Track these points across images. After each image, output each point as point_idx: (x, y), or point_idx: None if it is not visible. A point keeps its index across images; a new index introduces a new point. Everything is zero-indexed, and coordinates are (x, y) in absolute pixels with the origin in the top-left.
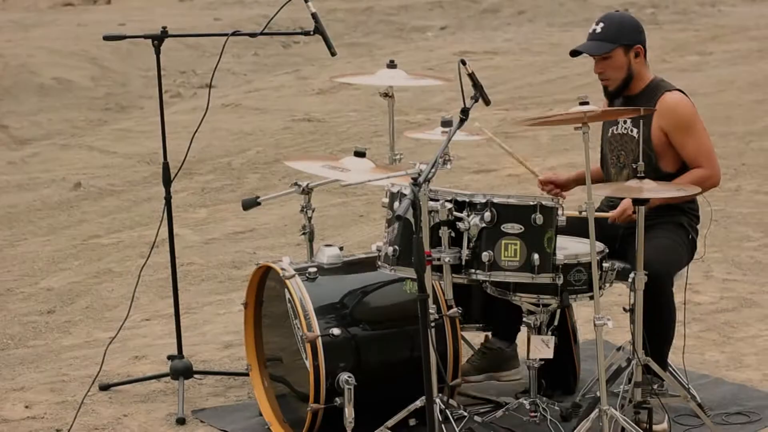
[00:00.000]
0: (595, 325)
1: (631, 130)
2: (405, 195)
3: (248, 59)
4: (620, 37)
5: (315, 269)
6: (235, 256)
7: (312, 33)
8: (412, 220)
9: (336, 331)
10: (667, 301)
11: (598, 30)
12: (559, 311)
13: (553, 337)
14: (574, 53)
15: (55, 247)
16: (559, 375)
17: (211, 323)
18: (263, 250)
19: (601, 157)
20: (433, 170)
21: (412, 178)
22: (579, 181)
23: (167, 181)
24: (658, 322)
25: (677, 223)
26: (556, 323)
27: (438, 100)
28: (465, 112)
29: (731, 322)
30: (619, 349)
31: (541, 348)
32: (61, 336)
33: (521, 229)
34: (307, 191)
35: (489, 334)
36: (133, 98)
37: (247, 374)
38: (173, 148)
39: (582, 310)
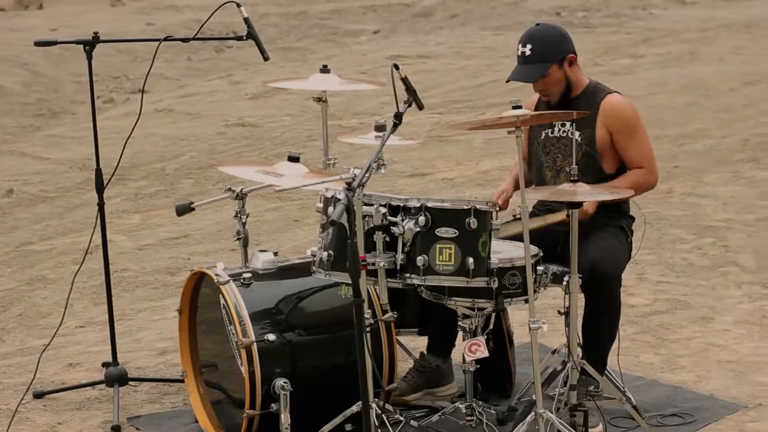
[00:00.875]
0: (530, 328)
1: (572, 133)
2: (339, 200)
3: (181, 64)
4: (550, 54)
5: (249, 275)
6: (170, 262)
7: (245, 38)
8: (346, 224)
9: (271, 336)
10: (614, 302)
11: (528, 53)
12: (494, 315)
13: (486, 336)
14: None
15: None
16: (494, 379)
17: (146, 329)
18: (198, 255)
19: (530, 160)
20: (367, 175)
21: (346, 183)
22: (516, 185)
23: (100, 188)
24: (603, 324)
25: (617, 225)
26: (491, 327)
27: (372, 104)
28: (398, 116)
29: (665, 324)
30: (554, 352)
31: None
32: None
33: (455, 233)
34: (241, 196)
35: (424, 350)
36: (65, 104)
37: (182, 380)
38: (106, 153)
39: (516, 314)
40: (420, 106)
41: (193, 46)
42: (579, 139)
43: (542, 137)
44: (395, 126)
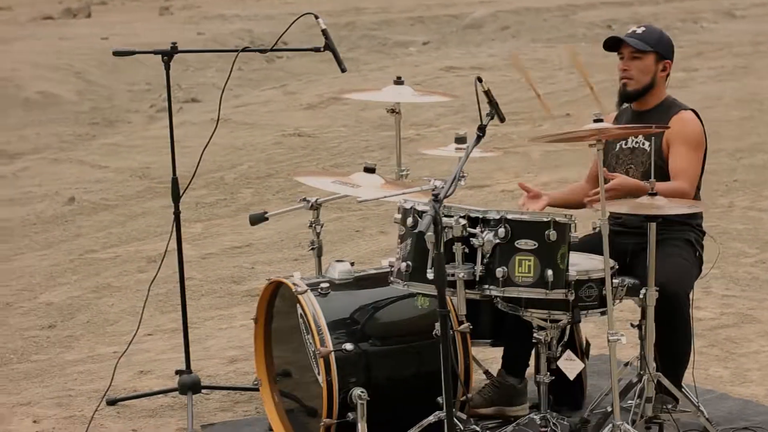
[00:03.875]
0: (608, 340)
1: (643, 143)
2: (418, 211)
3: (233, 74)
4: (658, 45)
5: (327, 284)
6: (234, 271)
7: (322, 49)
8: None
9: (348, 346)
10: (683, 320)
11: (639, 31)
12: (569, 327)
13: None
14: (613, 42)
15: (52, 261)
16: (566, 390)
17: (214, 338)
18: (261, 264)
19: (591, 173)
20: (453, 186)
21: (433, 194)
22: (564, 201)
23: (176, 196)
24: (673, 341)
25: (686, 239)
26: (566, 339)
27: (428, 115)
28: (482, 128)
29: (733, 338)
30: (626, 364)
31: (569, 367)
32: (63, 351)
33: (535, 245)
34: (315, 207)
35: (501, 369)
36: (119, 112)
37: (255, 389)
38: (164, 163)
39: (585, 326)
40: (502, 119)
41: (244, 56)
42: (648, 149)
43: (617, 149)
44: (479, 138)
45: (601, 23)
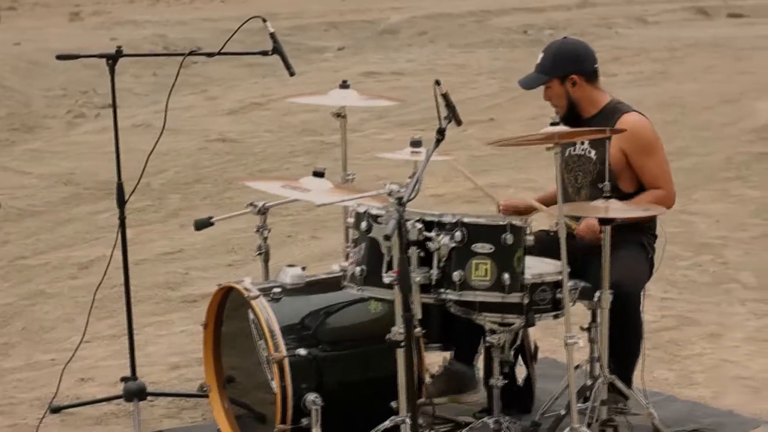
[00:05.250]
0: (566, 344)
1: (589, 152)
2: (373, 215)
3: (148, 79)
4: (554, 69)
5: (279, 289)
6: (168, 277)
7: (270, 53)
8: (379, 240)
9: (302, 351)
10: (634, 319)
11: (538, 61)
12: (521, 331)
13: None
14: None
15: None
16: (515, 394)
17: (154, 344)
18: (195, 270)
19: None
20: (415, 190)
21: (397, 198)
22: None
23: (121, 201)
24: (626, 340)
25: (638, 242)
26: (518, 342)
27: (352, 120)
28: (441, 132)
29: (675, 340)
30: (576, 367)
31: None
32: (0, 358)
33: (492, 248)
34: (263, 211)
35: (449, 355)
36: (37, 118)
37: (201, 395)
38: (89, 168)
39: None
40: (459, 122)
41: (157, 61)
42: (594, 158)
43: (566, 155)
44: (438, 142)
45: (517, 28)
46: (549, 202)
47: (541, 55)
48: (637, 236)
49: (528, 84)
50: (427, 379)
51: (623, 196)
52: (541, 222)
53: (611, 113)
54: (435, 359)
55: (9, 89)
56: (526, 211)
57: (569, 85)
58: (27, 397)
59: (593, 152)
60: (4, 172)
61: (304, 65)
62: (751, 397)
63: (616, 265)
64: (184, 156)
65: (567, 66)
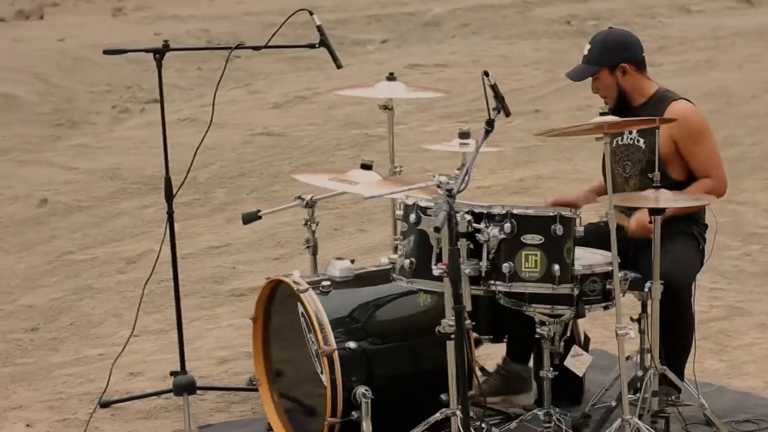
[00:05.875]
0: (617, 335)
1: (638, 140)
2: (422, 207)
3: (192, 74)
4: (602, 59)
5: (328, 282)
6: (214, 271)
7: (317, 46)
8: (429, 232)
9: (352, 344)
10: (686, 311)
11: (585, 53)
12: (571, 322)
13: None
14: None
15: (30, 263)
16: (565, 385)
17: (202, 338)
18: (242, 264)
19: (603, 169)
20: (465, 182)
21: (447, 190)
22: (589, 199)
23: (169, 196)
24: (676, 333)
25: (688, 233)
26: (568, 334)
27: (396, 113)
28: (490, 123)
29: (725, 331)
30: (627, 358)
31: (577, 363)
32: (48, 353)
33: (541, 240)
34: (310, 204)
35: (505, 356)
36: (81, 114)
37: (252, 389)
38: (135, 163)
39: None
40: (507, 113)
41: (201, 56)
42: (643, 146)
43: (613, 145)
44: (487, 133)
45: (560, 19)
46: (598, 192)
47: (587, 47)
48: (688, 227)
49: (578, 75)
50: (480, 376)
51: (673, 185)
52: (590, 213)
53: (660, 101)
54: (484, 351)
55: (53, 85)
56: (573, 205)
57: (619, 74)
58: (76, 392)
59: (642, 141)
60: (50, 167)
61: (348, 58)
62: None
63: (666, 257)
64: (229, 150)
65: (616, 55)
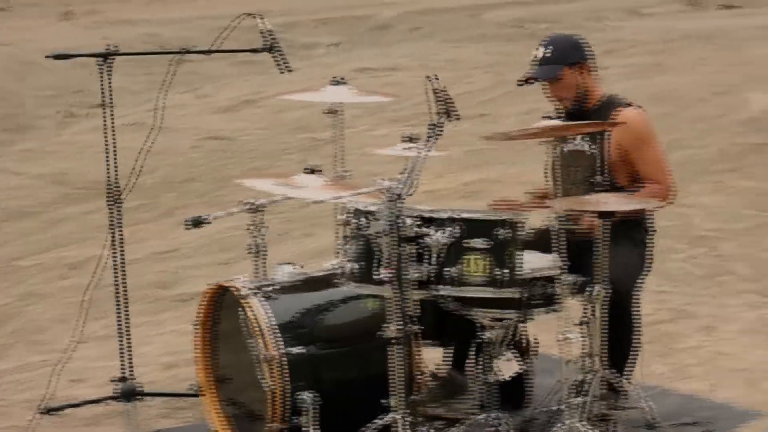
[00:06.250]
0: (561, 339)
1: (583, 146)
2: (367, 211)
3: (141, 78)
4: (564, 57)
5: (273, 287)
6: (161, 276)
7: (268, 50)
8: (374, 237)
9: (297, 349)
10: (628, 315)
11: (543, 54)
12: (516, 326)
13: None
14: (525, 81)
15: None
16: (510, 389)
17: (148, 344)
18: (188, 269)
19: (545, 173)
20: (412, 187)
21: (393, 195)
22: (535, 203)
23: (114, 201)
24: (619, 337)
25: (634, 238)
26: (513, 338)
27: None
28: (435, 127)
29: (670, 334)
30: (570, 362)
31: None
32: None
33: (487, 244)
34: (257, 209)
35: (443, 362)
36: (29, 118)
37: (196, 395)
38: (82, 167)
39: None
40: (456, 117)
41: (150, 60)
42: (590, 152)
43: (562, 151)
44: (432, 137)
45: (510, 22)
46: (542, 197)
47: (542, 49)
48: (633, 232)
49: (546, 74)
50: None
51: (619, 190)
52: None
53: (608, 106)
54: (429, 356)
55: (1, 90)
56: (519, 208)
57: (579, 72)
58: (20, 398)
59: (589, 147)
60: None
61: (297, 62)
62: (746, 389)
63: (610, 261)
64: (177, 154)
65: (575, 53)
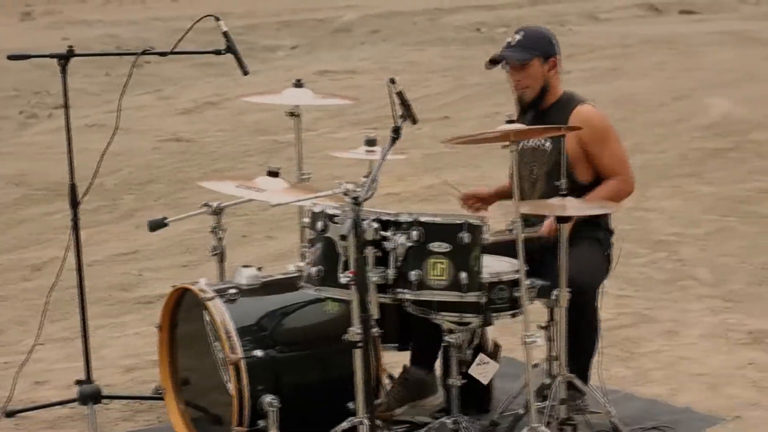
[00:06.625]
0: (525, 343)
1: (544, 144)
2: (329, 214)
3: (101, 79)
4: (537, 47)
5: (235, 290)
6: (121, 278)
7: (224, 52)
8: (335, 240)
9: (258, 352)
10: (590, 317)
11: (516, 40)
12: (479, 330)
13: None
14: (494, 62)
15: None
16: (473, 393)
17: (108, 347)
18: (149, 271)
19: (511, 171)
20: (371, 190)
21: (353, 198)
22: (500, 194)
23: (74, 203)
24: (581, 338)
25: (594, 239)
26: (476, 342)
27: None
28: (396, 130)
29: (632, 338)
30: (534, 366)
31: (483, 372)
32: None
33: (449, 247)
34: (218, 212)
35: (407, 364)
36: None
37: (158, 398)
38: (42, 168)
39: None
40: (414, 121)
41: (109, 61)
42: (549, 149)
43: (520, 147)
44: (393, 140)
45: (470, 26)
46: (504, 194)
47: (516, 36)
48: (593, 232)
49: (514, 57)
50: (388, 384)
51: (580, 188)
52: (498, 221)
53: (566, 104)
54: (392, 359)
55: None
56: (488, 200)
57: (548, 67)
58: None
59: (548, 144)
60: None
61: (258, 64)
62: (708, 393)
63: (572, 263)
64: (137, 156)
65: (549, 47)
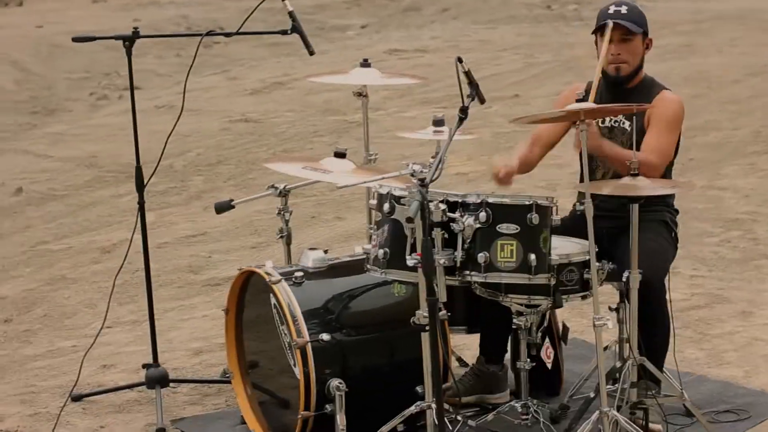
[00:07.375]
0: (594, 325)
1: (623, 123)
2: (396, 196)
3: (171, 60)
4: (642, 23)
5: (301, 273)
6: (190, 260)
7: (289, 32)
8: (402, 222)
9: (325, 336)
10: (660, 306)
11: (624, 11)
12: (548, 312)
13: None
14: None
15: (3, 254)
16: (544, 377)
17: (177, 330)
18: (218, 253)
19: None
20: (438, 171)
21: (420, 179)
22: (522, 166)
23: (140, 185)
24: (653, 325)
25: (661, 221)
26: (546, 324)
27: (374, 99)
28: (464, 110)
29: (705, 319)
30: (605, 348)
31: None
32: (21, 345)
33: (517, 229)
34: (284, 193)
35: (480, 356)
36: (59, 101)
37: (225, 381)
38: (113, 150)
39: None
40: (482, 100)
41: (180, 42)
42: (630, 129)
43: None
44: (461, 120)
45: (540, 3)
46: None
47: (624, 7)
48: (661, 213)
49: (632, 26)
50: (457, 367)
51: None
52: (567, 201)
53: (650, 86)
54: (460, 341)
55: (31, 73)
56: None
57: (645, 45)
58: (48, 385)
59: (628, 123)
60: (26, 155)
61: (327, 44)
62: None
63: (640, 248)
64: (206, 137)
65: (647, 26)
